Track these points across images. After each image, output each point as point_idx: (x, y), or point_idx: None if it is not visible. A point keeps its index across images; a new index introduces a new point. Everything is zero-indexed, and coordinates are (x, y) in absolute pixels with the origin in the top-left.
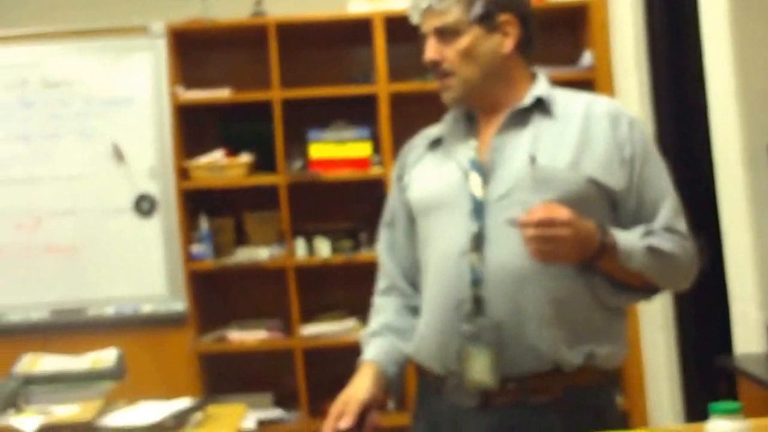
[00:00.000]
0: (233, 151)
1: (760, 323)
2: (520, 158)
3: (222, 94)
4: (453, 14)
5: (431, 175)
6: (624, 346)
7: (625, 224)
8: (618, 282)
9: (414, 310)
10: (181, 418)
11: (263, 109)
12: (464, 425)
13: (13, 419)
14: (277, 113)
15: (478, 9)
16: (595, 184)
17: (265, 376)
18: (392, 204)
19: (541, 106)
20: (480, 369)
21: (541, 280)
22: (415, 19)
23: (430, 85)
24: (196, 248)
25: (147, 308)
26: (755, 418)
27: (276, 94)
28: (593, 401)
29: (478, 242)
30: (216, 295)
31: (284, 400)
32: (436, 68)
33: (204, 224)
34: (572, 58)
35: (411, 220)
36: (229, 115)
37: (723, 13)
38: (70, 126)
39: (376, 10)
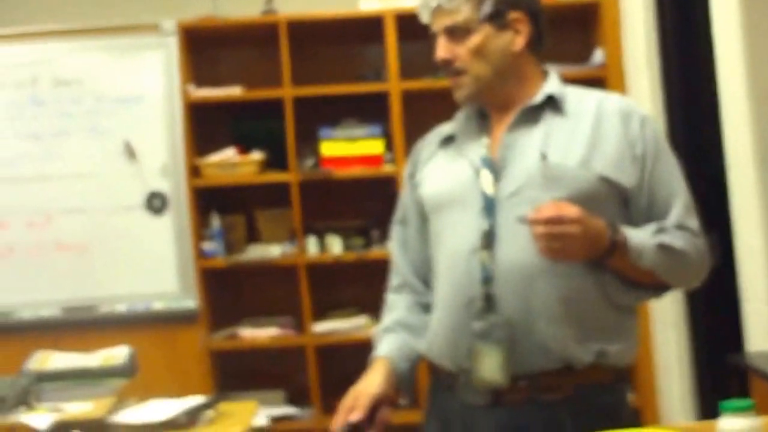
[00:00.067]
0: (245, 148)
1: None
2: (531, 156)
3: (233, 91)
4: (463, 13)
5: (443, 173)
6: (635, 343)
7: (637, 222)
8: (629, 279)
9: (426, 307)
10: (193, 415)
11: (275, 106)
12: (475, 423)
13: (25, 416)
14: (289, 111)
15: (488, 7)
16: (607, 182)
17: (276, 373)
18: (404, 201)
19: (552, 103)
20: (491, 367)
21: (552, 277)
22: (425, 18)
23: (442, 82)
24: (208, 245)
25: (158, 305)
26: (767, 415)
27: (287, 92)
28: (604, 399)
29: (488, 240)
30: (227, 292)
31: (296, 397)
32: (447, 67)
33: (215, 222)
34: (583, 56)
35: (423, 218)
36: (241, 112)
37: (734, 10)
38: (81, 124)
39: (387, 8)
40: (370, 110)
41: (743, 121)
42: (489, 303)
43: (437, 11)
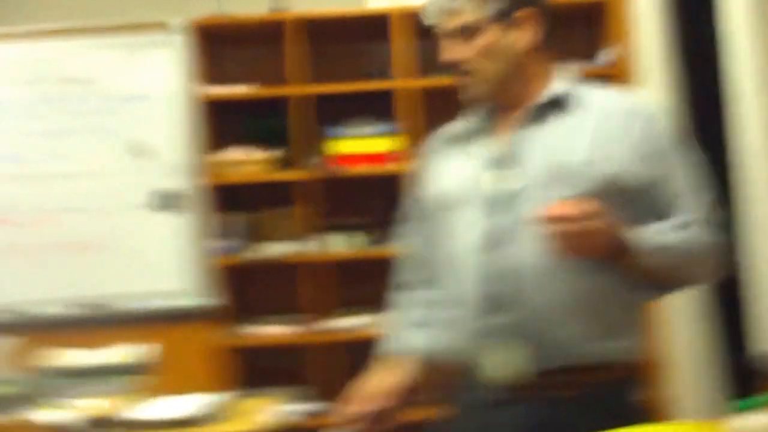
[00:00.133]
0: (254, 147)
1: None
2: (539, 155)
3: (244, 90)
4: (470, 13)
5: (451, 171)
6: (641, 339)
7: (644, 221)
8: (639, 277)
9: (443, 304)
10: (208, 412)
11: (284, 104)
12: (488, 420)
13: (37, 413)
14: (298, 109)
15: (494, 7)
16: (613, 181)
17: (295, 369)
18: (413, 199)
19: (559, 102)
20: (503, 365)
21: (562, 276)
22: (431, 18)
23: (449, 81)
24: (221, 243)
25: (170, 303)
26: None
27: (297, 90)
28: (617, 396)
29: (497, 239)
30: (241, 289)
31: (316, 394)
32: (454, 67)
33: (226, 220)
34: (589, 55)
35: (432, 216)
36: (250, 111)
37: (745, 6)
38: (90, 122)
39: (394, 6)
40: (379, 108)
41: (754, 120)
42: (500, 302)
43: (444, 12)
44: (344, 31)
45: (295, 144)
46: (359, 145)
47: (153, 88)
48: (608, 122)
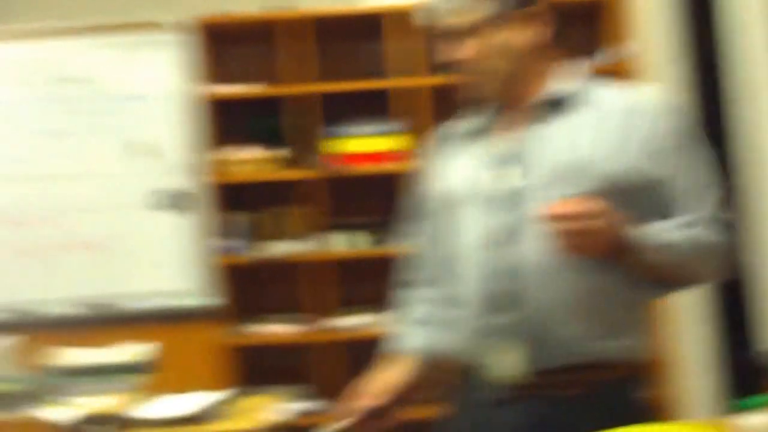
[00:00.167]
0: (256, 146)
1: None
2: (544, 153)
3: (246, 89)
4: (474, 12)
5: (455, 170)
6: (647, 338)
7: (651, 219)
8: (643, 276)
9: (446, 303)
10: (210, 410)
11: (288, 103)
12: (494, 418)
13: (45, 411)
14: (301, 108)
15: (499, 5)
16: (619, 179)
17: (297, 368)
18: (419, 197)
19: (566, 100)
20: (508, 363)
21: (565, 274)
22: (436, 18)
23: (452, 79)
24: (224, 243)
25: (176, 302)
26: None
27: (300, 89)
28: (619, 395)
29: (501, 237)
30: (247, 288)
31: (317, 393)
32: (459, 66)
33: (231, 219)
34: (588, 53)
35: (436, 214)
36: (253, 110)
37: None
38: (91, 122)
39: (396, 4)
40: (383, 107)
41: (764, 116)
42: (506, 300)
43: (448, 11)
44: (349, 30)
45: (297, 143)
46: (362, 144)
47: (154, 88)
48: (615, 120)
